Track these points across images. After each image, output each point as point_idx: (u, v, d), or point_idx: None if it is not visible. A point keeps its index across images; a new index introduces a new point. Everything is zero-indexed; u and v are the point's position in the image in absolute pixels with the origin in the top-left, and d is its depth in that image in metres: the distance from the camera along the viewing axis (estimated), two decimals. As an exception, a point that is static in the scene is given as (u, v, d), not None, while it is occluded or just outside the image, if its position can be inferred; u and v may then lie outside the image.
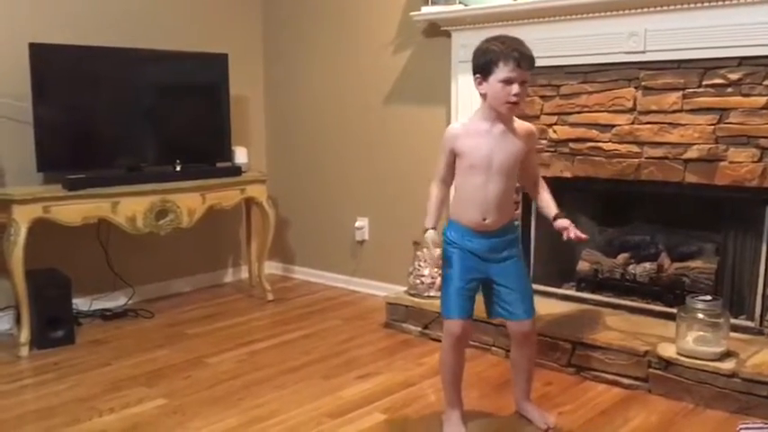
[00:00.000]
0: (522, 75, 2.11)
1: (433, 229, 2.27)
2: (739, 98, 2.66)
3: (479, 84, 2.17)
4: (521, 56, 2.09)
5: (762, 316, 2.74)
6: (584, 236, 2.28)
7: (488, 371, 2.87)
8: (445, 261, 2.30)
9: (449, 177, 2.30)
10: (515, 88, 2.10)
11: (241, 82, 4.16)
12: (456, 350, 2.31)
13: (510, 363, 2.50)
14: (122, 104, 3.60)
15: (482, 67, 2.14)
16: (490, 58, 2.11)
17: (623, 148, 2.96)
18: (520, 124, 2.26)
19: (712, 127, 2.73)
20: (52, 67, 3.30)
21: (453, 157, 2.25)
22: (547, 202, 2.36)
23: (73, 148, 3.42)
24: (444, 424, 2.35)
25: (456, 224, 2.29)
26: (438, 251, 2.29)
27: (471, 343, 2.99)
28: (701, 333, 2.54)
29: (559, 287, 3.35)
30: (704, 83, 2.73)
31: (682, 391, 2.55)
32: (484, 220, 2.23)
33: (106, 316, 3.62)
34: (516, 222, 2.39)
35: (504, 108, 2.15)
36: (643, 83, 2.88)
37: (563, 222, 2.29)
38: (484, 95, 2.18)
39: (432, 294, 3.36)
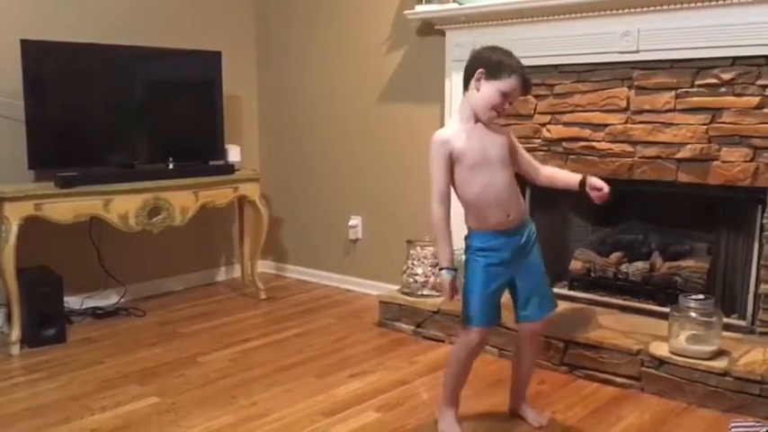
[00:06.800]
0: (519, 97, 2.20)
1: (450, 268, 2.18)
2: (732, 98, 2.67)
3: (478, 80, 2.13)
4: (529, 84, 2.17)
5: (754, 315, 2.76)
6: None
7: (482, 369, 2.85)
8: (469, 270, 2.24)
9: (448, 189, 2.22)
10: (507, 105, 2.16)
11: (234, 80, 4.15)
12: (472, 357, 2.28)
13: (512, 362, 2.47)
14: (115, 102, 3.58)
15: (493, 67, 2.12)
16: (505, 67, 2.11)
17: (616, 147, 2.97)
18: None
19: (705, 127, 2.74)
20: (44, 63, 3.28)
21: (450, 163, 2.18)
22: (561, 172, 2.40)
23: (65, 145, 3.40)
24: (439, 422, 2.34)
25: (479, 232, 2.23)
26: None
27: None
28: (694, 332, 2.56)
29: (552, 286, 3.33)
30: (697, 82, 2.74)
31: (674, 390, 2.56)
32: (508, 216, 2.20)
33: (98, 314, 3.61)
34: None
35: (486, 115, 2.17)
36: (636, 82, 2.89)
37: (596, 181, 2.26)
38: (471, 91, 2.16)
39: (425, 293, 3.37)
